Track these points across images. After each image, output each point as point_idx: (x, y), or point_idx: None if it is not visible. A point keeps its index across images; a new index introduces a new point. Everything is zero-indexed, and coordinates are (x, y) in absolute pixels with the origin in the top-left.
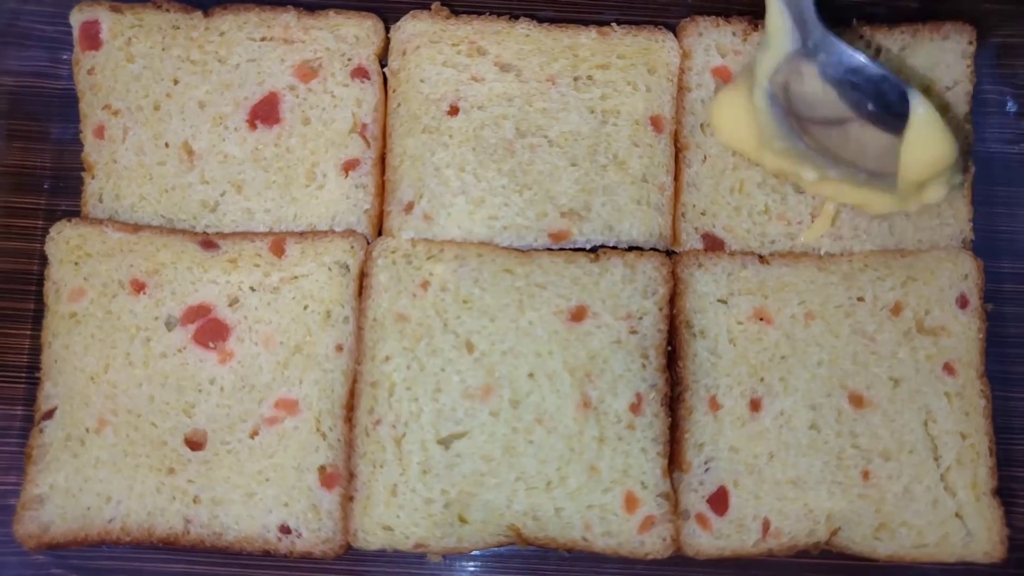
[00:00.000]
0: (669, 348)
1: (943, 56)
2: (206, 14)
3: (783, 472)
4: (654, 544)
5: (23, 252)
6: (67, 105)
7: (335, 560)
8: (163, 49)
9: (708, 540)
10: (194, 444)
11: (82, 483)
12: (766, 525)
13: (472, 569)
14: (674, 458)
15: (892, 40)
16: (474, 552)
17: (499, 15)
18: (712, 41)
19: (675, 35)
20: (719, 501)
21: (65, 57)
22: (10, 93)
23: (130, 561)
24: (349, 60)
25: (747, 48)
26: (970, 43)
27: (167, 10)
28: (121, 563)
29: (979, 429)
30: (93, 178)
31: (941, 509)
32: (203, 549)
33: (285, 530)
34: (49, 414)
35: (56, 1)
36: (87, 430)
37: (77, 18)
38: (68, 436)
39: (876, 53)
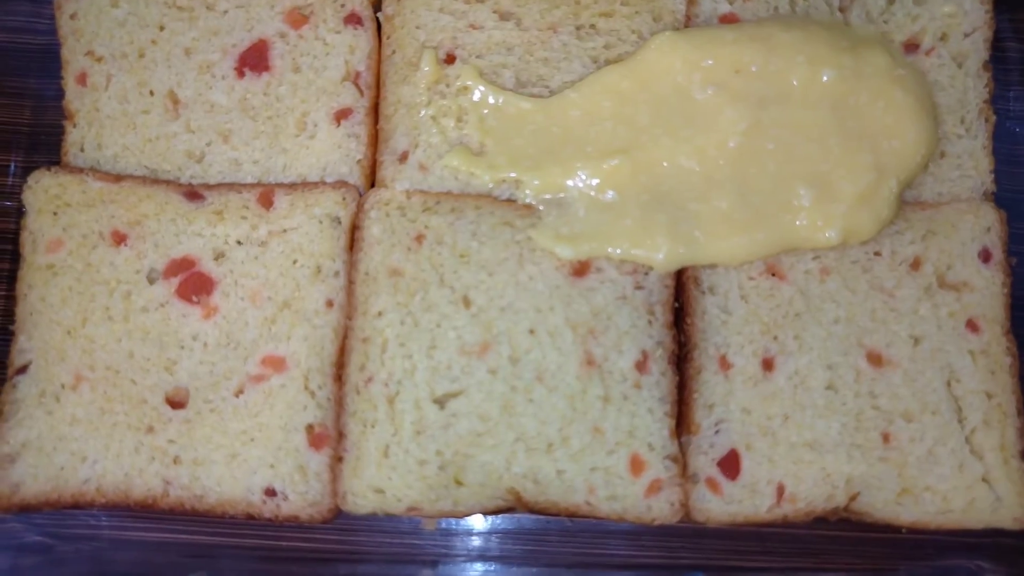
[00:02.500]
0: (676, 305)
1: (962, 3)
2: None
3: (798, 434)
4: (661, 509)
5: None
6: (48, 60)
7: (323, 526)
8: None
9: (719, 505)
10: (175, 403)
11: (56, 441)
12: (780, 490)
13: (470, 542)
14: (682, 420)
15: None
16: (472, 526)
17: None
18: None
19: None
20: (730, 464)
21: (48, 11)
22: None
23: (109, 529)
24: (342, 6)
25: None
26: None
27: None
28: (98, 531)
29: (1006, 388)
30: (75, 127)
31: (967, 473)
32: (182, 512)
33: (270, 492)
34: (23, 369)
35: None
36: (63, 386)
37: None
38: (42, 392)
39: (889, 2)
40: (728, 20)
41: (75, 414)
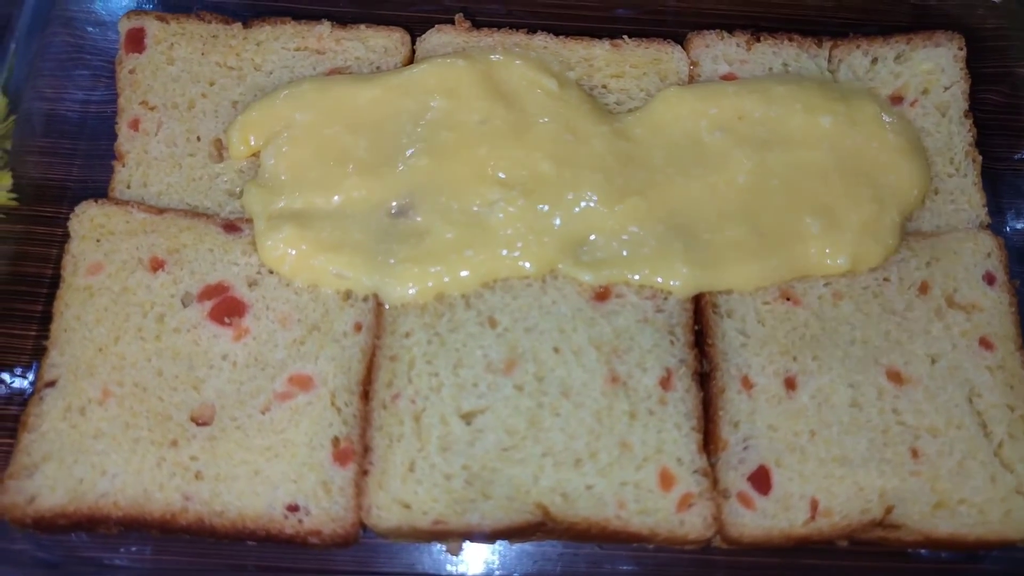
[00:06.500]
0: (697, 328)
1: (939, 61)
2: (245, 26)
3: (827, 450)
4: (694, 523)
5: (40, 257)
6: (100, 122)
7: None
8: (202, 55)
9: (753, 519)
10: (201, 419)
11: (78, 454)
12: (815, 504)
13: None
14: (709, 439)
15: (888, 49)
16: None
17: (517, 29)
18: (719, 52)
19: (683, 48)
20: (761, 480)
21: (105, 81)
22: (47, 115)
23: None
24: (377, 68)
25: (752, 57)
26: (960, 48)
27: (209, 21)
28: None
29: None
30: (124, 166)
31: (1000, 485)
32: (200, 530)
33: (292, 508)
34: (52, 383)
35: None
36: (89, 400)
37: (124, 25)
38: (68, 406)
39: (873, 62)
40: (727, 79)
41: (99, 428)
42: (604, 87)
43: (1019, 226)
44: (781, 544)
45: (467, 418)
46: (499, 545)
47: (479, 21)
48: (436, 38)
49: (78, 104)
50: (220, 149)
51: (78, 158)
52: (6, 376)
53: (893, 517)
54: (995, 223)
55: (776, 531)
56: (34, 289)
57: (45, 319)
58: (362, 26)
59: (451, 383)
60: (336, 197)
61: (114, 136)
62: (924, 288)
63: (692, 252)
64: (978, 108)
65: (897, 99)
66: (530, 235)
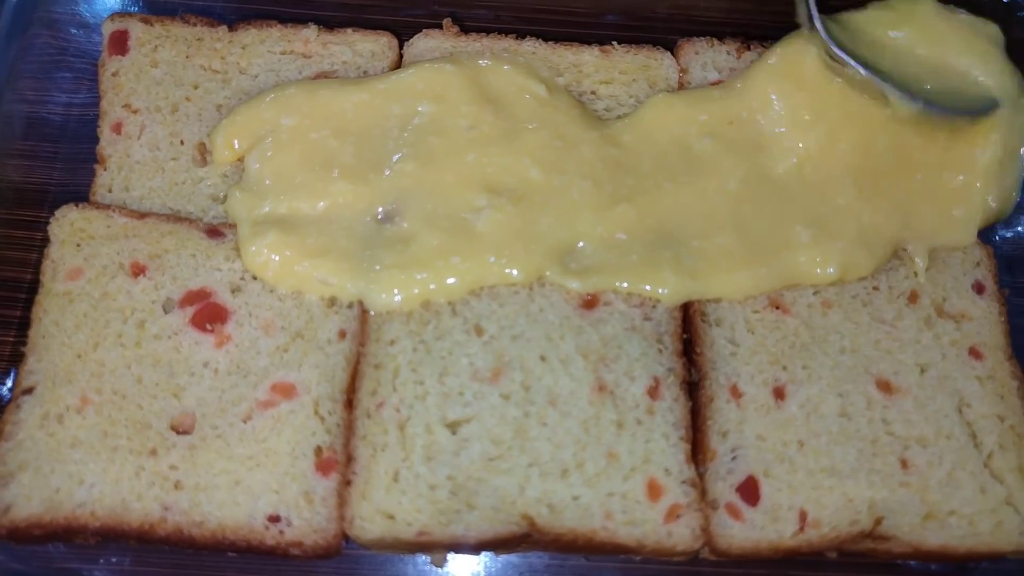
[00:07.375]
0: (685, 336)
1: None
2: (230, 29)
3: (816, 461)
4: (682, 535)
5: (19, 261)
6: (82, 126)
7: (327, 563)
8: (187, 57)
9: (741, 531)
10: (181, 428)
11: (55, 463)
12: (803, 515)
13: None
14: (697, 449)
15: None
16: (483, 566)
17: (506, 34)
18: (708, 59)
19: (673, 54)
20: (750, 490)
21: (87, 83)
22: (28, 117)
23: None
24: (364, 72)
25: (741, 64)
26: None
27: (194, 24)
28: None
29: (1016, 411)
30: (105, 170)
31: (990, 496)
32: (179, 541)
33: (274, 519)
34: (29, 390)
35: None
36: (67, 408)
37: (108, 27)
38: (46, 414)
39: None
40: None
41: (77, 436)
42: (593, 93)
43: (1008, 235)
44: (769, 556)
45: (452, 427)
46: (484, 556)
47: (467, 26)
48: (424, 43)
49: (60, 107)
50: (204, 153)
51: (59, 161)
52: None
53: (882, 528)
54: (984, 232)
55: (765, 542)
56: (12, 294)
57: (23, 325)
58: (349, 30)
59: (436, 392)
60: (321, 202)
61: (96, 139)
62: (913, 297)
63: (681, 260)
64: None
65: None
66: (517, 242)
